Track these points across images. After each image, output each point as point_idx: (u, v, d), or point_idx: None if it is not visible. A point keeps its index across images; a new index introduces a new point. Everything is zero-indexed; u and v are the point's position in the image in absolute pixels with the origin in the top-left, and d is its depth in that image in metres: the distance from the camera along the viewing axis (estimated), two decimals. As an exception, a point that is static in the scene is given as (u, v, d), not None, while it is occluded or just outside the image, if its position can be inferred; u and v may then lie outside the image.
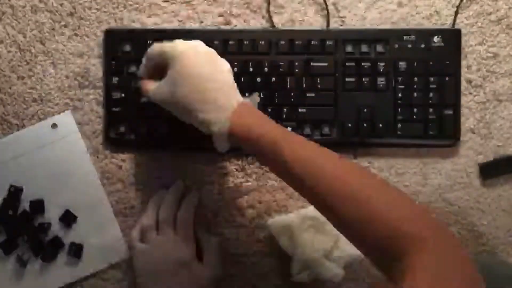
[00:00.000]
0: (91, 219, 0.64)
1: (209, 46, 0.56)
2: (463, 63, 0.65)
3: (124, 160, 0.65)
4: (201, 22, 0.65)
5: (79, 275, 0.64)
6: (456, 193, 0.65)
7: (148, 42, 0.62)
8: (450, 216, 0.65)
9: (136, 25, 0.65)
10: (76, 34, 0.65)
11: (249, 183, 0.65)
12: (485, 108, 0.65)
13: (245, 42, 0.63)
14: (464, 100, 0.65)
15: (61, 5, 0.65)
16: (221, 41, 0.63)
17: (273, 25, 0.65)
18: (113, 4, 0.65)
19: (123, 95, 0.63)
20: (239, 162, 0.65)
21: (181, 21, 0.65)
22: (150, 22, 0.65)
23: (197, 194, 0.63)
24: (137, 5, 0.65)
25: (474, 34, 0.66)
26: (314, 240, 0.61)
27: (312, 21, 0.65)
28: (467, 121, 0.65)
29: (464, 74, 0.65)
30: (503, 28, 0.66)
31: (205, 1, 0.66)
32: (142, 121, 0.63)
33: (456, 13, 0.65)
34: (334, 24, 0.66)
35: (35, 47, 0.65)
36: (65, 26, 0.65)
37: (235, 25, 0.65)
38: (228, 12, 0.66)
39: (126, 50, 0.63)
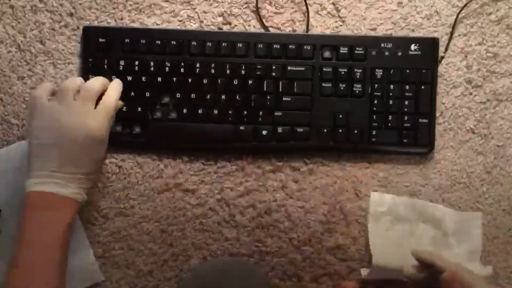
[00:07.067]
0: None
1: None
2: (463, 63, 0.65)
3: (124, 160, 0.65)
4: (201, 22, 0.65)
5: None
6: (456, 193, 0.65)
7: (126, 41, 0.63)
8: (450, 216, 0.65)
9: (136, 25, 0.65)
10: (76, 34, 0.65)
11: (249, 183, 0.65)
12: (485, 108, 0.65)
13: (223, 44, 0.63)
14: (464, 100, 0.65)
15: (61, 5, 0.65)
16: (199, 42, 0.63)
17: (265, 28, 0.65)
18: (113, 4, 0.65)
19: None
20: (239, 162, 0.65)
21: (181, 21, 0.65)
22: (150, 22, 0.65)
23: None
24: (137, 5, 0.65)
25: (474, 34, 0.66)
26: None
27: (313, 22, 0.66)
28: (467, 121, 0.65)
29: (464, 74, 0.65)
30: (503, 28, 0.66)
31: (205, 1, 0.66)
32: (116, 120, 0.62)
33: (458, 14, 0.65)
34: (334, 24, 0.66)
35: (35, 47, 0.65)
36: (65, 26, 0.65)
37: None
38: (228, 12, 0.66)
39: (103, 48, 0.63)
